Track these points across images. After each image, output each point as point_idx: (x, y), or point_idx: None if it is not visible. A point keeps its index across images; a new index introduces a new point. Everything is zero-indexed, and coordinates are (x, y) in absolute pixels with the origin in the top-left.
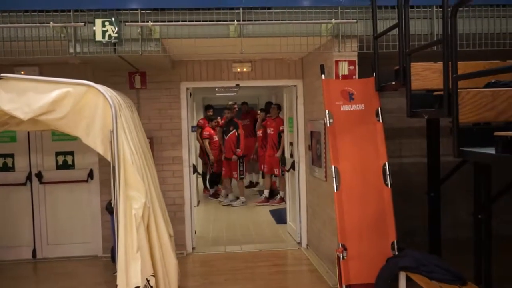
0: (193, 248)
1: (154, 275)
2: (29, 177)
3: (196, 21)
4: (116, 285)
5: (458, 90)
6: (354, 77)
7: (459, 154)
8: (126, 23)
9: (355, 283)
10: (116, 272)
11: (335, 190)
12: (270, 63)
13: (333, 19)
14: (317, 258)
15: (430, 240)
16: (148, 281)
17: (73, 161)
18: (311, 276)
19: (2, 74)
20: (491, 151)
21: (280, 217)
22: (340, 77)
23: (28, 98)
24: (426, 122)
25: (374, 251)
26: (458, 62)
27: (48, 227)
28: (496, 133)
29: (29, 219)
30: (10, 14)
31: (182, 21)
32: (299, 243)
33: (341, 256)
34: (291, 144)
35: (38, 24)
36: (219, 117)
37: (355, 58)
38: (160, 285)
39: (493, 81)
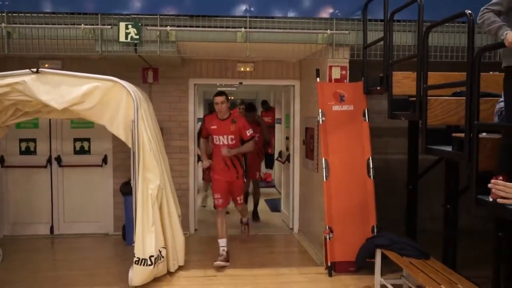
0: (196, 230)
1: (165, 247)
2: (49, 161)
3: (208, 27)
4: (125, 258)
5: (429, 97)
6: (345, 80)
7: (426, 150)
8: (147, 27)
9: (339, 260)
10: (133, 243)
11: (324, 180)
12: (271, 64)
13: (328, 30)
14: (307, 242)
15: (407, 228)
16: (160, 251)
17: (89, 147)
18: (301, 256)
19: (40, 69)
20: (450, 148)
21: (274, 206)
22: (333, 81)
23: (61, 90)
24: (408, 123)
25: (357, 233)
26: (436, 72)
27: (65, 206)
28: (453, 134)
29: (48, 198)
30: (44, 14)
31: (196, 27)
32: (291, 229)
33: (328, 237)
34: (287, 138)
35: (70, 26)
36: None
37: (347, 64)
38: (170, 256)
39: (458, 91)
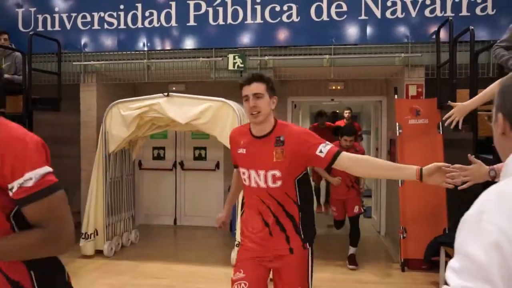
0: None
1: None
2: (174, 165)
3: (299, 55)
4: (230, 246)
5: (478, 112)
6: (421, 97)
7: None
8: (250, 57)
9: (412, 258)
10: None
11: (400, 186)
12: (359, 82)
13: (402, 54)
14: (389, 243)
15: None
16: None
17: (205, 154)
18: (381, 254)
19: (169, 93)
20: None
21: (366, 212)
22: (410, 97)
23: (185, 109)
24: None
25: (429, 234)
26: None
27: (186, 202)
28: (493, 145)
29: (172, 195)
30: (173, 50)
31: (289, 55)
32: (379, 232)
33: (401, 236)
34: (376, 149)
35: (192, 59)
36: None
37: (422, 82)
38: None
39: None
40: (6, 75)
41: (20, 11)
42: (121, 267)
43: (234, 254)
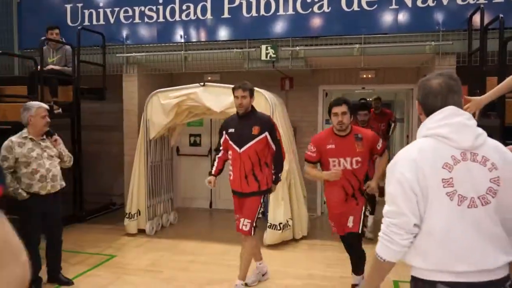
0: (322, 213)
1: (292, 219)
2: (210, 151)
3: (330, 44)
4: (263, 228)
5: (506, 99)
6: None
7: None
8: (282, 48)
9: None
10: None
11: None
12: (390, 70)
13: (433, 42)
14: None
15: None
16: (287, 221)
17: None
18: None
19: (206, 83)
20: None
21: None
22: None
23: (220, 98)
24: None
25: None
26: None
27: (220, 186)
28: None
29: None
30: (208, 42)
31: (320, 45)
32: None
33: None
34: (407, 136)
35: (226, 50)
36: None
37: (453, 70)
38: (296, 226)
39: None
40: (57, 67)
41: (68, 6)
42: (162, 244)
43: (266, 235)
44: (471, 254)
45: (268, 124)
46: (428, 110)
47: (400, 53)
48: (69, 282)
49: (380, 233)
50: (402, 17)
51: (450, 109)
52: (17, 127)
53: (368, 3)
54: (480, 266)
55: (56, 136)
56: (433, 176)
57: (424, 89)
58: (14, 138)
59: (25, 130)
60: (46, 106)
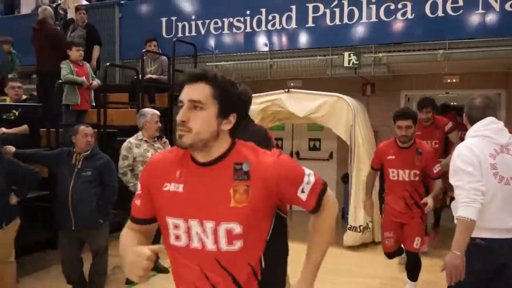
0: None
1: (372, 222)
2: (291, 154)
3: (413, 50)
4: (343, 231)
5: None
6: None
7: None
8: (364, 55)
9: None
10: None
11: None
12: (476, 75)
13: None
14: None
15: None
16: (367, 223)
17: (319, 145)
18: None
19: (290, 89)
20: None
21: None
22: None
23: (303, 104)
24: None
25: None
26: None
27: None
28: None
29: None
30: (292, 50)
31: (402, 51)
32: None
33: None
34: None
35: (310, 57)
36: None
37: None
38: (375, 229)
39: None
40: (154, 76)
41: (163, 20)
42: None
43: (346, 237)
44: (505, 215)
45: None
46: (472, 120)
47: (486, 57)
48: (166, 270)
49: (461, 199)
50: (489, 21)
51: (490, 119)
52: (123, 130)
53: (453, 9)
54: (510, 225)
55: (165, 139)
56: (485, 160)
57: (469, 106)
58: (131, 140)
59: (140, 133)
60: (158, 113)
